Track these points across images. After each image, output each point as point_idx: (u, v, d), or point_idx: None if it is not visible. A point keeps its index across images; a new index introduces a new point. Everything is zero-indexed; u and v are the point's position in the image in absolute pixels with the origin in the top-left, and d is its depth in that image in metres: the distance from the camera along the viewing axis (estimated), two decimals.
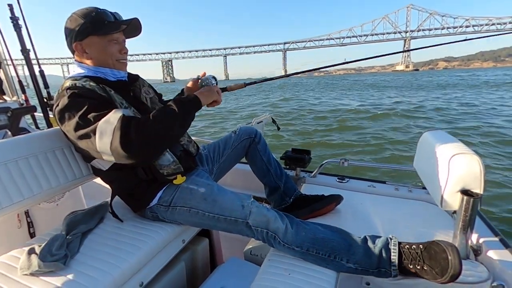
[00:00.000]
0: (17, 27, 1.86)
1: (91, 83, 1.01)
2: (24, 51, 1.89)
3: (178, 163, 1.12)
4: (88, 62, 1.08)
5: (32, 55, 1.93)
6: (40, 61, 2.03)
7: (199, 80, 1.27)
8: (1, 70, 1.82)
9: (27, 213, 1.48)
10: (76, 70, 1.09)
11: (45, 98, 2.01)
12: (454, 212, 0.97)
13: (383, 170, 3.90)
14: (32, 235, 1.50)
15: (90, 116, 0.92)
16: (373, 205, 1.38)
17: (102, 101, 0.98)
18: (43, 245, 0.97)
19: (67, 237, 1.03)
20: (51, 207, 1.59)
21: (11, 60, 1.97)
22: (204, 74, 1.29)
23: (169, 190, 1.11)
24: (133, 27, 1.11)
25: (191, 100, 1.06)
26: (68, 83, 1.01)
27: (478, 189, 0.90)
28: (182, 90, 1.41)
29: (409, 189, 1.50)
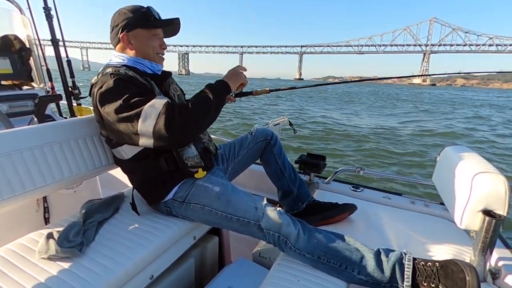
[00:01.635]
0: (48, 17, 1.93)
1: (132, 72, 1.08)
2: (54, 41, 1.97)
3: (200, 157, 1.15)
4: (131, 53, 1.15)
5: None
6: (60, 43, 2.07)
7: None
8: (31, 58, 1.89)
9: (44, 199, 1.53)
10: (114, 59, 1.15)
11: (70, 87, 2.08)
12: (473, 232, 0.93)
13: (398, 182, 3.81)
14: (46, 220, 1.55)
15: (134, 100, 0.97)
16: (387, 217, 1.35)
17: (145, 88, 1.05)
18: (61, 231, 1.01)
19: (84, 224, 1.06)
20: (69, 193, 1.64)
21: (42, 49, 2.04)
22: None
23: (184, 186, 1.13)
24: (174, 27, 1.21)
25: (221, 85, 1.12)
26: (110, 69, 1.07)
27: (501, 210, 0.87)
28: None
29: (426, 204, 1.46)
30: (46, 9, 1.90)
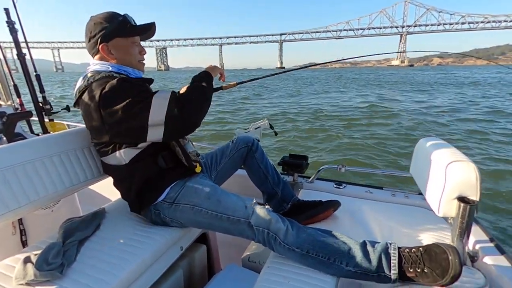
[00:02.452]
0: (13, 31, 1.84)
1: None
2: (20, 55, 1.88)
3: (195, 153, 1.23)
4: (112, 62, 1.14)
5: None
6: (30, 45, 1.98)
7: None
8: None
9: (20, 221, 1.46)
10: (97, 67, 1.13)
11: (41, 102, 1.99)
12: (451, 218, 0.98)
13: (379, 175, 3.92)
14: (24, 243, 1.48)
15: (141, 95, 1.02)
16: (370, 211, 1.39)
17: (145, 86, 1.11)
18: (39, 253, 0.96)
19: (64, 245, 1.02)
20: (46, 213, 1.57)
21: (7, 65, 1.95)
22: None
23: (175, 188, 1.15)
24: (151, 32, 1.21)
25: (204, 74, 1.23)
26: (103, 74, 1.08)
27: (474, 196, 0.91)
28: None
29: (406, 195, 1.51)
30: (10, 23, 1.81)
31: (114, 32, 1.10)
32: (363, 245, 0.98)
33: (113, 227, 1.18)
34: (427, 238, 1.15)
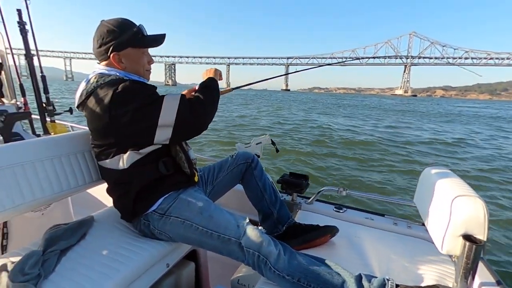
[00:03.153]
0: (23, 32, 1.87)
1: None
2: (28, 56, 1.89)
3: (195, 161, 1.26)
4: (120, 70, 1.13)
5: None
6: (43, 53, 2.00)
7: None
8: (2, 72, 1.81)
9: (4, 224, 1.41)
10: (102, 71, 1.11)
11: (44, 103, 1.99)
12: (455, 257, 0.91)
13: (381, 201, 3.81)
14: (4, 248, 1.42)
15: (153, 97, 1.04)
16: (370, 239, 1.32)
17: (154, 89, 1.10)
18: (16, 261, 0.91)
19: (44, 254, 0.97)
20: (36, 216, 1.53)
21: (14, 63, 1.97)
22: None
23: (168, 199, 1.12)
24: (161, 42, 1.21)
25: (209, 79, 1.28)
26: (113, 77, 1.08)
27: (481, 235, 0.85)
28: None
29: (408, 225, 1.44)
30: (21, 23, 1.84)
31: (128, 42, 1.09)
32: (359, 279, 0.92)
33: (99, 237, 1.13)
34: (428, 274, 1.08)
